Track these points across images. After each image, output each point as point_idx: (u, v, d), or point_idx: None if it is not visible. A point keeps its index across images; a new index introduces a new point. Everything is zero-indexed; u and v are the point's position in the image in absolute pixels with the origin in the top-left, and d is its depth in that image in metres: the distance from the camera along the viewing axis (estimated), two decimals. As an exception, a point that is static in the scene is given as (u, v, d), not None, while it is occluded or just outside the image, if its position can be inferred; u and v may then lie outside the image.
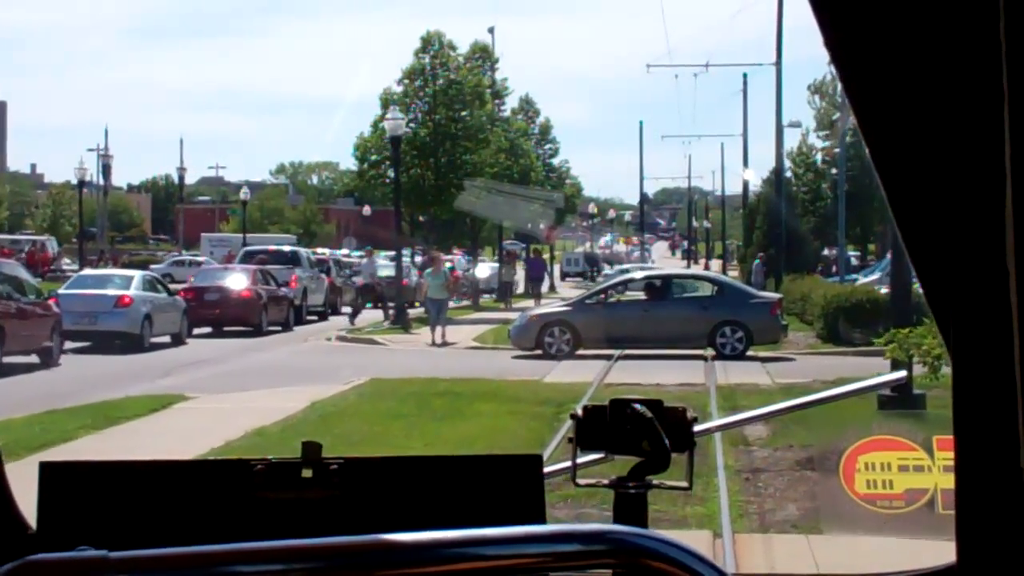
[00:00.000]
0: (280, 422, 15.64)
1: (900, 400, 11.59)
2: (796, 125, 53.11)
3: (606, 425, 2.06)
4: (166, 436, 14.83)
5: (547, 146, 60.45)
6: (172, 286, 33.50)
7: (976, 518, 1.72)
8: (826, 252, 51.46)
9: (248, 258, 39.44)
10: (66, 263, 59.14)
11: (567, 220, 72.77)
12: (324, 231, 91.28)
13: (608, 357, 24.37)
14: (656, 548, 1.24)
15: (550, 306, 30.05)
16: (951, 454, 1.79)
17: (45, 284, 36.86)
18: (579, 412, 2.09)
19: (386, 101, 41.52)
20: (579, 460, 2.19)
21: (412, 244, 52.01)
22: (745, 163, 58.77)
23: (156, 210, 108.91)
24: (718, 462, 12.39)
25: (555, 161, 61.14)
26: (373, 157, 42.43)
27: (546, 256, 56.37)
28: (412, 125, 42.02)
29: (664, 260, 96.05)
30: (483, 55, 46.64)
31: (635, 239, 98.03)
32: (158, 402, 17.75)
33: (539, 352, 25.56)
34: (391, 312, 34.63)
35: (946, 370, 10.70)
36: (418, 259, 45.80)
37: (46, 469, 2.02)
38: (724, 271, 56.68)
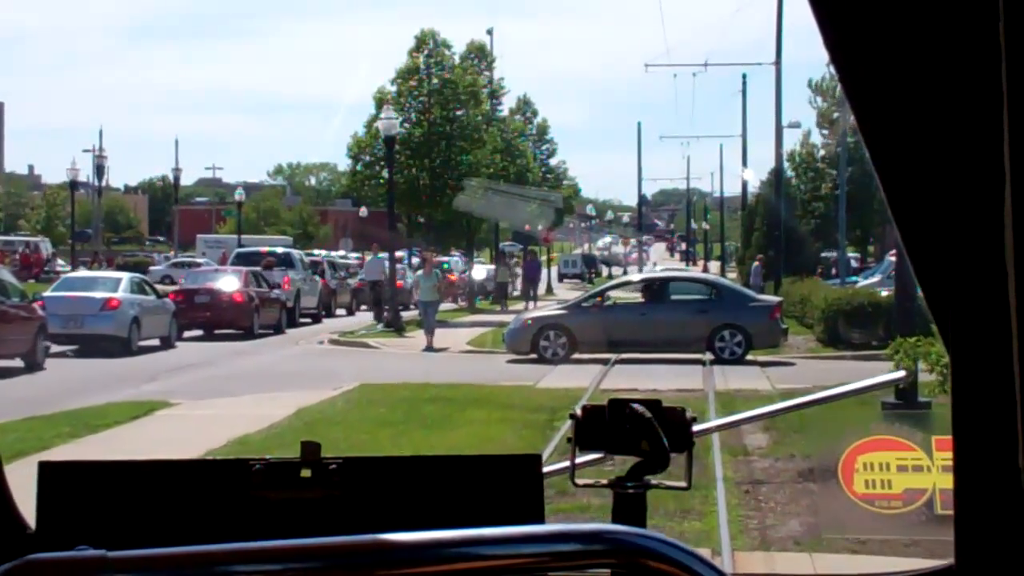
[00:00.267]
0: (264, 430, 15.20)
1: (906, 408, 11.22)
2: (796, 126, 52.67)
3: (605, 425, 2.04)
4: (145, 445, 14.33)
5: (544, 147, 60.07)
6: (169, 288, 33.11)
7: (975, 518, 1.72)
8: (825, 254, 51.02)
9: (240, 260, 38.94)
10: (60, 264, 58.79)
11: (565, 221, 72.37)
12: (321, 232, 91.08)
13: (605, 361, 23.92)
14: (655, 548, 1.24)
15: (545, 309, 29.59)
16: (950, 454, 1.79)
17: (39, 286, 36.46)
18: (578, 412, 2.08)
19: (380, 101, 40.95)
20: (578, 460, 2.18)
21: (410, 245, 51.57)
22: (744, 163, 58.42)
23: (153, 211, 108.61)
24: (717, 473, 11.97)
25: (552, 162, 60.79)
26: (367, 157, 41.89)
27: (544, 258, 55.96)
28: (406, 125, 41.49)
29: (662, 262, 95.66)
30: (479, 54, 46.15)
31: (633, 240, 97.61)
32: (140, 409, 17.28)
33: (534, 356, 25.10)
34: (385, 314, 34.12)
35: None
36: (416, 260, 45.37)
37: (45, 469, 2.03)
38: (723, 273, 56.25)
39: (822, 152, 54.50)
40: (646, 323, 25.67)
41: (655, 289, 27.74)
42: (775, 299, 28.92)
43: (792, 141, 57.55)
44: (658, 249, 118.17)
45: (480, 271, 50.09)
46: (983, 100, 1.49)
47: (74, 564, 1.17)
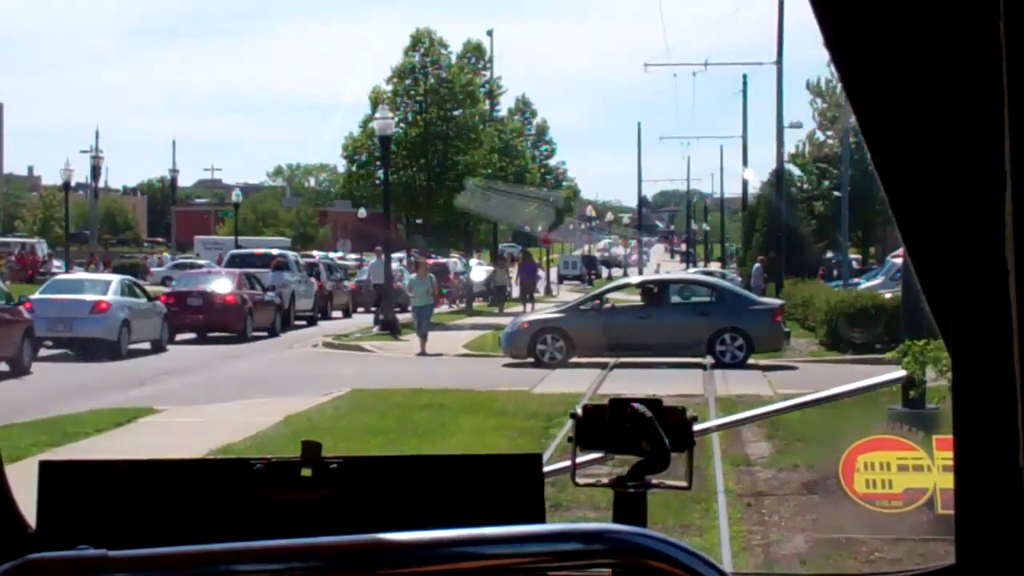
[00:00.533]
0: (250, 439, 14.75)
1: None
2: (798, 126, 52.31)
3: (606, 424, 2.03)
4: (124, 455, 13.80)
5: (543, 147, 59.60)
6: (165, 290, 32.68)
7: (976, 518, 1.72)
8: (828, 255, 50.57)
9: (234, 262, 38.44)
10: (57, 266, 58.49)
11: (565, 222, 71.94)
12: (320, 234, 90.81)
13: (603, 366, 23.44)
14: (655, 547, 1.25)
15: (542, 312, 29.07)
16: (950, 454, 1.79)
17: (35, 287, 35.92)
18: (579, 412, 2.07)
19: (376, 100, 40.38)
20: (579, 459, 2.18)
21: (409, 247, 51.09)
22: (745, 163, 57.92)
23: (152, 213, 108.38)
24: (718, 485, 11.51)
25: (552, 162, 60.31)
26: (362, 158, 41.33)
27: (544, 259, 55.51)
28: (402, 125, 40.93)
29: (663, 263, 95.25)
30: (475, 54, 45.58)
31: (633, 241, 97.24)
32: (123, 416, 16.80)
33: (531, 360, 24.60)
34: (380, 316, 33.62)
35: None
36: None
37: (46, 468, 2.05)
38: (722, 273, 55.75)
39: (825, 151, 54.03)
40: (645, 326, 25.15)
41: (654, 291, 27.20)
42: (777, 302, 28.42)
43: (793, 141, 57.16)
44: (658, 250, 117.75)
45: (479, 273, 49.56)
46: (984, 100, 1.48)
47: (75, 563, 1.17)
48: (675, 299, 27.00)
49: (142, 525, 2.00)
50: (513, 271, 45.70)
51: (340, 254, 62.83)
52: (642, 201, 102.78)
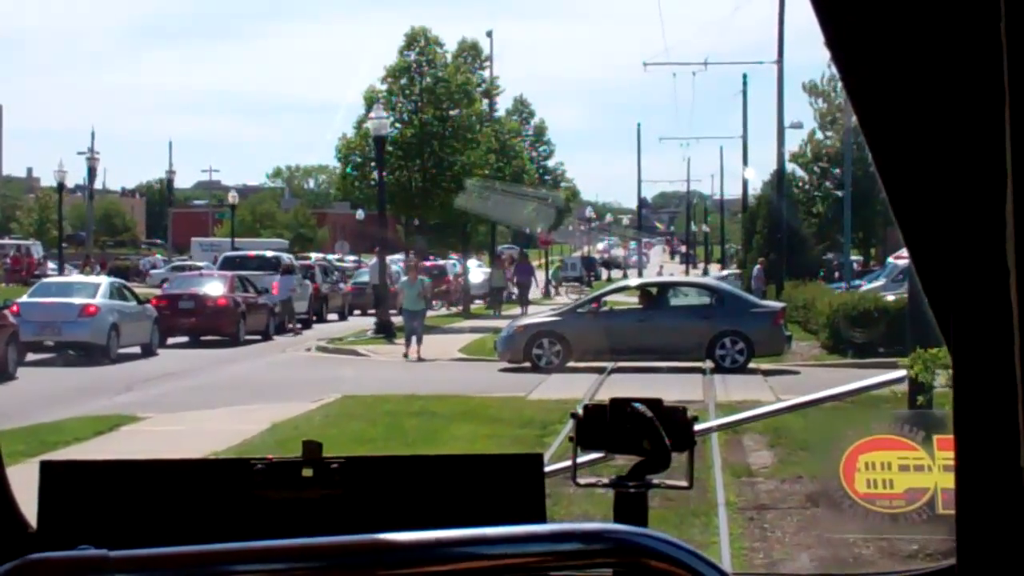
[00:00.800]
0: (234, 447, 14.30)
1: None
2: (798, 126, 51.70)
3: (606, 424, 2.01)
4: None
5: (542, 148, 59.14)
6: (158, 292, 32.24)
7: (976, 518, 1.71)
8: (828, 256, 50.10)
9: (227, 264, 37.94)
10: (52, 267, 58.18)
11: (565, 223, 71.48)
12: (318, 235, 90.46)
13: (601, 370, 22.96)
14: (656, 547, 1.25)
15: (539, 315, 28.54)
16: (951, 454, 1.78)
17: (26, 289, 35.46)
18: (579, 412, 2.06)
19: (370, 100, 39.84)
20: (579, 459, 2.17)
21: (407, 248, 50.60)
22: (745, 163, 57.45)
23: (151, 214, 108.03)
24: (719, 498, 11.07)
25: (550, 163, 59.84)
26: (357, 158, 40.78)
27: (543, 260, 55.08)
28: (397, 125, 40.39)
29: (665, 264, 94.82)
30: (472, 53, 45.02)
31: (632, 243, 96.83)
32: (104, 424, 16.33)
33: (527, 364, 24.09)
34: (375, 319, 33.10)
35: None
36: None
37: (47, 468, 2.05)
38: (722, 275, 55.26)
39: (825, 151, 53.55)
40: (644, 329, 24.61)
41: (654, 294, 26.69)
42: (778, 305, 27.89)
43: (794, 142, 56.68)
44: (658, 252, 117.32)
45: (477, 274, 49.03)
46: (984, 99, 1.48)
47: (75, 563, 1.17)
48: (674, 302, 26.51)
49: (143, 525, 2.00)
50: (510, 272, 45.16)
51: (338, 256, 62.46)
52: (642, 202, 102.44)
